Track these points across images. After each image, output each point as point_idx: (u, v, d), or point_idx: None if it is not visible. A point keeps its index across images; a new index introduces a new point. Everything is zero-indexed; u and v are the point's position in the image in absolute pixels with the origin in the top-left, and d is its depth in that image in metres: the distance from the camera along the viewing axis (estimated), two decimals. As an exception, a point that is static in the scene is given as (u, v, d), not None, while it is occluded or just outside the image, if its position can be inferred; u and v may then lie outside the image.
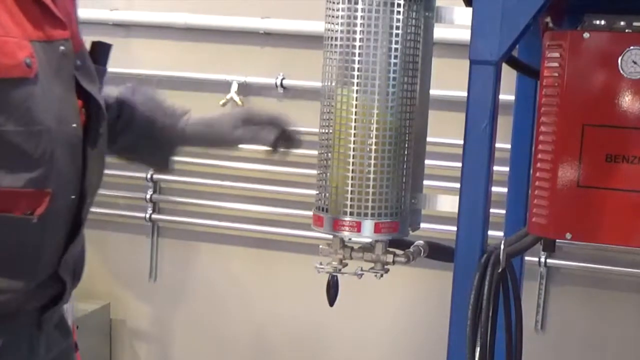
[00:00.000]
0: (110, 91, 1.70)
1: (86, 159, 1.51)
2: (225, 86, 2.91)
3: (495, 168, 1.52)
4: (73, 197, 1.50)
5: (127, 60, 3.04)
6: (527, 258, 2.28)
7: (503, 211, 2.10)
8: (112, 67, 3.13)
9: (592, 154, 1.47)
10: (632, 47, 1.44)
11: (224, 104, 2.91)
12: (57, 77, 1.45)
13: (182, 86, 3.02)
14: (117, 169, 3.09)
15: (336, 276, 1.61)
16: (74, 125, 1.47)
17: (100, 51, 1.62)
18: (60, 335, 1.62)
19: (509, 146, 2.08)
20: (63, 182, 1.46)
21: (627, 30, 1.48)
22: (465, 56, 1.47)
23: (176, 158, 1.80)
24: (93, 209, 3.26)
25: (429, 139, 1.66)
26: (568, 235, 1.51)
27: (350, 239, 1.57)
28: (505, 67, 1.54)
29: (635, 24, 1.48)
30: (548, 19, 1.69)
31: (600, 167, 1.47)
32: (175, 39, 3.01)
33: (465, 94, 1.48)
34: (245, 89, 2.93)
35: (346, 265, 1.58)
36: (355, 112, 1.50)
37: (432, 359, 2.62)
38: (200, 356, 3.16)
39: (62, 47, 1.46)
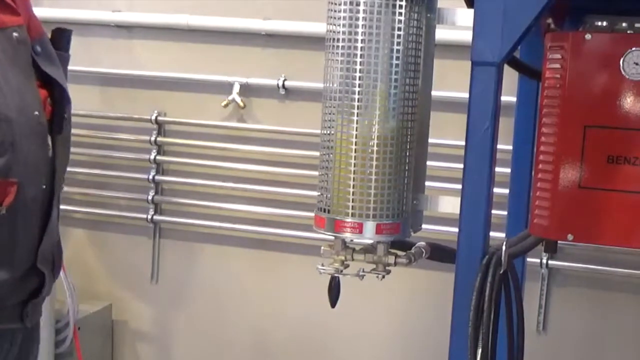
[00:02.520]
0: None
1: (55, 145, 1.50)
2: (227, 87, 2.91)
3: (497, 169, 1.52)
4: (44, 186, 1.48)
5: (129, 62, 3.04)
6: (528, 259, 2.28)
7: (505, 212, 2.10)
8: (115, 69, 3.16)
9: (593, 155, 1.47)
10: (633, 49, 1.44)
11: (225, 105, 2.91)
12: (14, 65, 1.42)
13: (184, 87, 3.02)
14: (118, 170, 3.09)
15: (338, 277, 1.61)
16: (36, 112, 1.45)
17: (61, 37, 1.61)
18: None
19: (510, 147, 2.08)
20: (30, 171, 1.44)
21: (628, 32, 1.48)
22: (467, 57, 1.47)
23: None
24: (95, 210, 3.27)
25: (430, 140, 1.66)
26: (570, 237, 1.51)
27: (351, 240, 1.57)
28: (506, 69, 1.54)
29: (636, 25, 1.48)
30: (549, 20, 1.69)
31: (601, 169, 1.47)
32: (177, 40, 3.01)
33: (466, 95, 1.48)
34: (246, 90, 2.93)
35: (348, 266, 1.58)
36: (357, 113, 1.50)
37: (433, 360, 2.63)
38: (202, 357, 3.16)
39: (15, 34, 1.43)
